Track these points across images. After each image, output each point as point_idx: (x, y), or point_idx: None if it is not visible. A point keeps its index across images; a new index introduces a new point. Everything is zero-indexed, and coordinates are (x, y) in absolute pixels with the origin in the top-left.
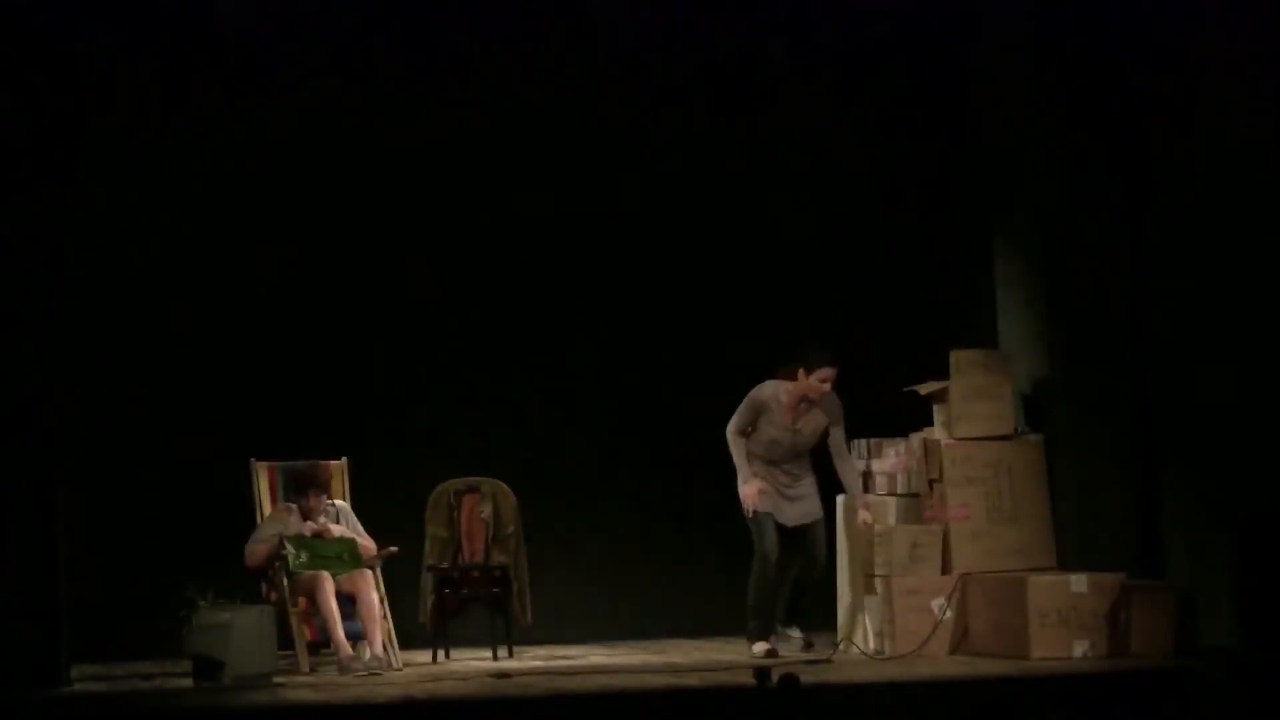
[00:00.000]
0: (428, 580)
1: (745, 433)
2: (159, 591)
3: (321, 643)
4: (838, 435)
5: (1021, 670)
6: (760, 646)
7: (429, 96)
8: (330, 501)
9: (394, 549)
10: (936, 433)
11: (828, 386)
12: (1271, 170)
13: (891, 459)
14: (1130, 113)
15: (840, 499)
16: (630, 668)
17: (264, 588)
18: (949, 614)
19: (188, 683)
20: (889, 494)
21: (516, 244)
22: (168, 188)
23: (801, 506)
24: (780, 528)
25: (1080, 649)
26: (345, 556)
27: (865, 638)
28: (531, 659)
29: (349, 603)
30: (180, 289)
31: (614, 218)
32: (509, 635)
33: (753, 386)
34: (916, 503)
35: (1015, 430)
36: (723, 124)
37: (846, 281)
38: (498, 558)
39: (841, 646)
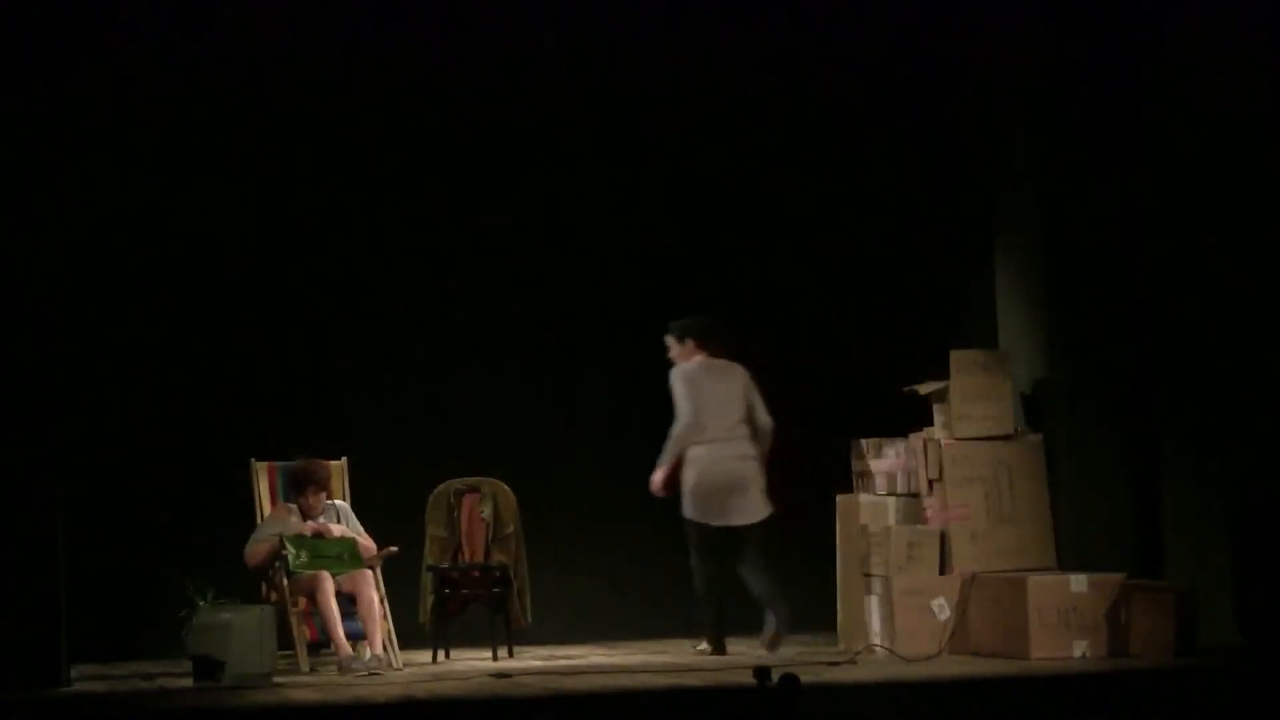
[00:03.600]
0: (428, 580)
1: None
2: (159, 591)
3: (321, 643)
4: None
5: (1021, 670)
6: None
7: (429, 95)
8: (330, 501)
9: (394, 549)
10: (936, 433)
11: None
12: (1273, 171)
13: (891, 459)
14: (1131, 113)
15: (840, 499)
16: (630, 668)
17: (264, 588)
18: (948, 614)
19: (188, 683)
20: (889, 494)
21: (516, 243)
22: (169, 187)
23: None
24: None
25: (1080, 649)
26: (345, 556)
27: (865, 638)
28: (531, 659)
29: (349, 603)
30: (180, 289)
31: (615, 217)
32: (509, 635)
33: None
34: (916, 503)
35: (1015, 430)
36: (722, 123)
37: (847, 281)
38: (498, 558)
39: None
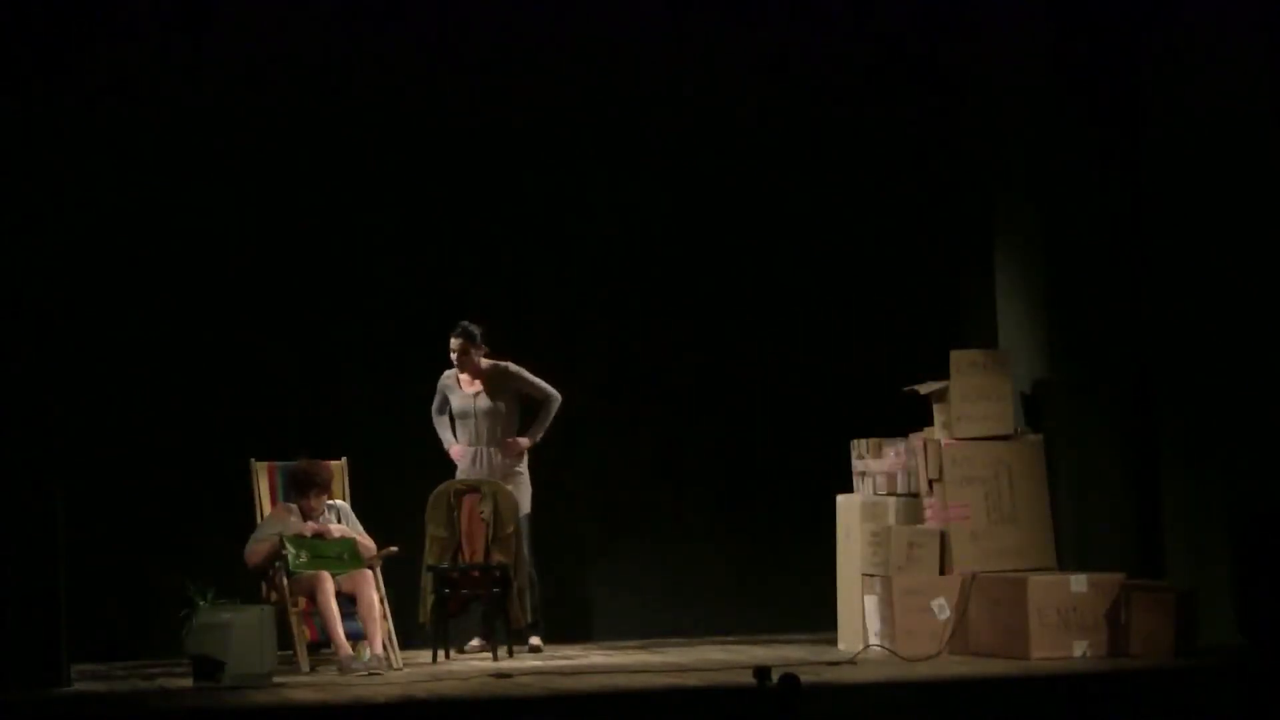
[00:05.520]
0: (428, 580)
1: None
2: (159, 591)
3: (321, 643)
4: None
5: (1021, 670)
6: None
7: (429, 95)
8: (330, 501)
9: (394, 549)
10: (936, 433)
11: (453, 358)
12: (1273, 171)
13: (891, 459)
14: (1132, 113)
15: (840, 499)
16: (630, 668)
17: (264, 588)
18: (948, 614)
19: (188, 683)
20: (889, 494)
21: (516, 243)
22: (169, 187)
23: None
24: None
25: (1080, 649)
26: (345, 556)
27: (865, 638)
28: (532, 659)
29: (349, 603)
30: (180, 289)
31: (616, 216)
32: (509, 635)
33: (750, 383)
34: (916, 503)
35: (1015, 430)
36: (722, 123)
37: (847, 281)
38: (498, 558)
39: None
